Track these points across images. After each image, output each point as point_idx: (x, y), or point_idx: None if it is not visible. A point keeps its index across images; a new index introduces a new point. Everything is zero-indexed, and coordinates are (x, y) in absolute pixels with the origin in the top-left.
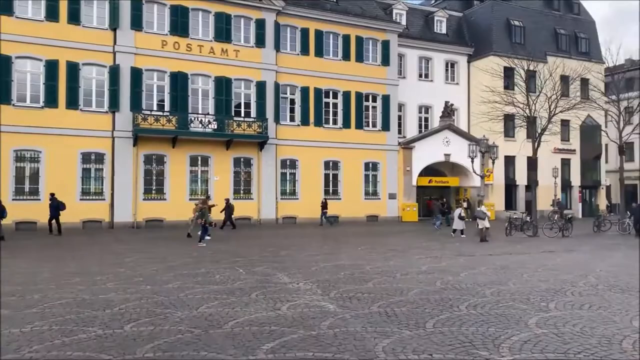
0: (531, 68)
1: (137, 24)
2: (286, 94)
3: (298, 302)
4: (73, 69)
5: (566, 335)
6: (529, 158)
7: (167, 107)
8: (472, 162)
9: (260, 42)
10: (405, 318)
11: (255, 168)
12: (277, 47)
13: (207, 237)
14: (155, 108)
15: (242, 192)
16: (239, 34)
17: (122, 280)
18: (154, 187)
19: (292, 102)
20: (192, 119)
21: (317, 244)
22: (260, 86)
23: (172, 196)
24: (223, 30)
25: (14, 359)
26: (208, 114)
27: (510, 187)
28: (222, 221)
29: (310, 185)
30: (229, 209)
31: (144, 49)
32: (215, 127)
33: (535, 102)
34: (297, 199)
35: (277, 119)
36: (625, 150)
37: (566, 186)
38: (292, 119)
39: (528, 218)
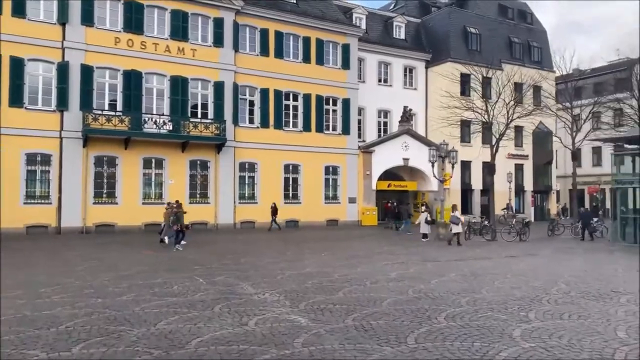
0: (487, 75)
1: (88, 19)
2: (245, 95)
3: (266, 316)
4: (17, 65)
5: (555, 350)
6: (485, 163)
7: (119, 107)
8: (433, 166)
9: (218, 41)
10: (383, 332)
11: (213, 171)
12: (236, 47)
13: (183, 242)
14: (107, 108)
15: (198, 196)
16: (196, 33)
17: (69, 292)
18: (104, 191)
19: (251, 103)
20: (146, 119)
21: (279, 250)
22: (218, 87)
23: (125, 200)
24: (180, 28)
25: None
26: (163, 114)
27: (466, 192)
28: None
29: (269, 189)
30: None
31: (95, 45)
32: (171, 128)
33: (493, 107)
34: (256, 203)
35: (235, 121)
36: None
37: (519, 191)
38: (251, 121)
39: (486, 222)
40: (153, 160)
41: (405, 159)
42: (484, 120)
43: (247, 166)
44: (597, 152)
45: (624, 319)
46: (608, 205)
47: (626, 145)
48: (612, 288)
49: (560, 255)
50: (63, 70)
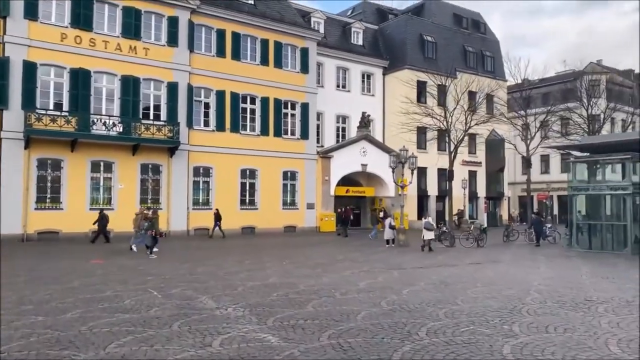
0: (443, 83)
1: (31, 13)
2: (200, 97)
3: (232, 335)
4: None
5: None
6: (440, 170)
7: (65, 107)
8: (393, 172)
9: (172, 41)
10: (364, 352)
11: (165, 176)
12: (191, 47)
13: (156, 249)
14: (51, 107)
15: (149, 201)
16: (149, 31)
17: (5, 309)
18: (48, 195)
19: (207, 106)
20: (95, 120)
21: (237, 258)
22: (172, 88)
23: (70, 205)
24: (132, 26)
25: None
26: (113, 115)
27: (422, 198)
28: (95, 234)
29: (225, 195)
30: (102, 220)
31: (39, 41)
32: (121, 130)
33: (452, 114)
34: (211, 209)
35: (190, 124)
36: (523, 164)
37: (473, 197)
38: (206, 123)
39: (445, 228)
40: (102, 164)
41: (364, 165)
42: (442, 127)
43: (201, 171)
44: (545, 159)
45: (610, 331)
46: (556, 211)
47: (575, 153)
48: (585, 296)
49: (523, 262)
50: (3, 66)
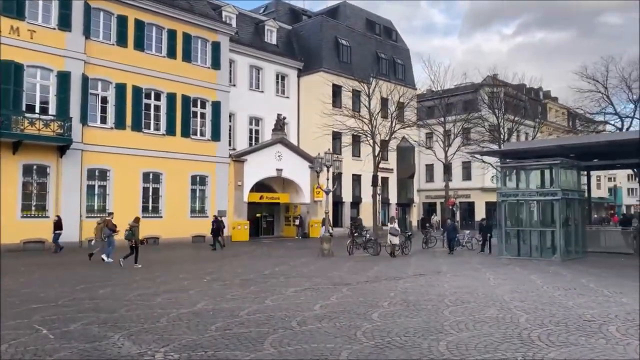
0: (358, 89)
1: None
2: (97, 90)
3: None
4: None
5: None
6: (355, 175)
7: None
8: (318, 176)
9: (64, 24)
10: None
11: (53, 178)
12: (87, 34)
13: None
14: None
15: (33, 208)
16: (35, 11)
17: None
18: None
19: (105, 100)
20: None
21: (144, 275)
22: (63, 77)
23: None
24: (14, 3)
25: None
26: None
27: (337, 204)
28: None
29: (125, 201)
30: None
31: None
32: None
33: (376, 118)
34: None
35: (84, 120)
36: (427, 172)
37: (385, 203)
38: (103, 120)
39: (368, 235)
40: None
41: (279, 170)
42: (366, 132)
43: (97, 173)
44: (447, 168)
45: None
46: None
47: (488, 159)
48: (577, 314)
49: (466, 272)
50: None
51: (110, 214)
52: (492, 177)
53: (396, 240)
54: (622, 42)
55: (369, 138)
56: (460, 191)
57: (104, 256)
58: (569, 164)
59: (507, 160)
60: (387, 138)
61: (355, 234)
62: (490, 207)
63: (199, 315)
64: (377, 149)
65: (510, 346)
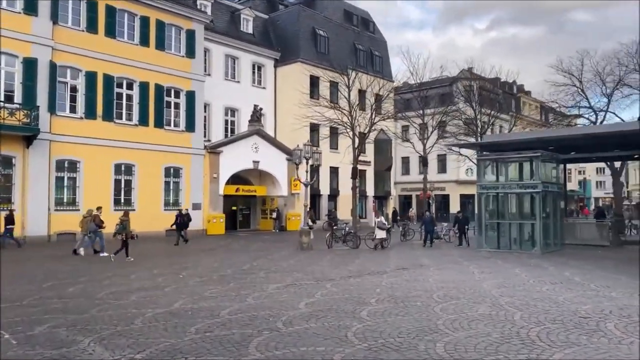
0: (335, 80)
1: None
2: (66, 78)
3: None
4: None
5: None
6: (332, 168)
7: None
8: (297, 168)
9: (30, 8)
10: None
11: (19, 170)
12: (55, 19)
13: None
14: None
15: None
16: None
17: None
18: None
19: (74, 89)
20: None
21: (116, 271)
22: (30, 64)
23: None
24: None
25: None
26: None
27: (314, 197)
28: None
29: (95, 194)
30: None
31: None
32: None
33: (355, 109)
34: (79, 210)
35: (52, 109)
36: (403, 164)
37: (362, 196)
38: (73, 109)
39: (347, 228)
40: None
41: (256, 162)
42: (345, 123)
43: (66, 165)
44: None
45: None
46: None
47: (465, 151)
48: (571, 310)
49: (449, 265)
50: None
51: (99, 208)
52: (467, 169)
53: (383, 234)
54: (590, 39)
55: (348, 130)
56: (435, 184)
57: (81, 250)
58: (549, 157)
59: (485, 152)
60: (366, 130)
61: (335, 227)
62: (465, 199)
63: (177, 316)
64: (357, 141)
65: (511, 347)
